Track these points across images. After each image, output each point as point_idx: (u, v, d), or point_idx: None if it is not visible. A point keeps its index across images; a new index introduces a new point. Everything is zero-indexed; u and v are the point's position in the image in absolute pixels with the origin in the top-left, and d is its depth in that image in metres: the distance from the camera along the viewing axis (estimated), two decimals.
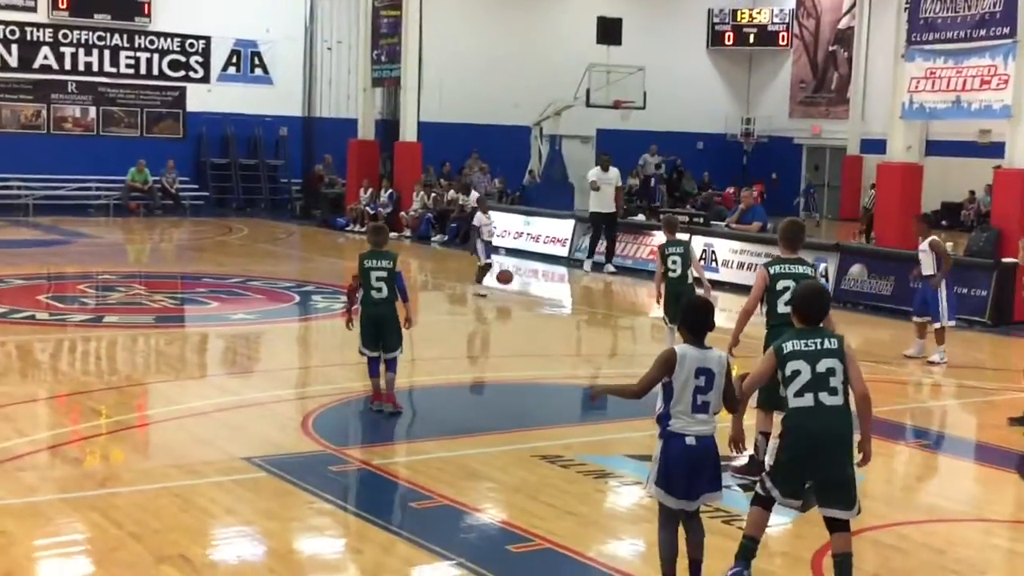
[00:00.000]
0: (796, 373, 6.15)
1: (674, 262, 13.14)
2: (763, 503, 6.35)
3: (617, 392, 6.40)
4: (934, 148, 37.05)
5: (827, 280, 18.98)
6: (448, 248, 26.75)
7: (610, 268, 22.43)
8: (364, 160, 30.72)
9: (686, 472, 6.07)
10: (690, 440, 6.07)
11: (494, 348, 15.12)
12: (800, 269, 8.77)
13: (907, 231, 20.16)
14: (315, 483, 8.22)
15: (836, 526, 6.19)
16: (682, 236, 14.83)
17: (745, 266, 20.51)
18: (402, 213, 28.88)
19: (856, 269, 18.94)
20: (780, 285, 8.70)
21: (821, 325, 6.34)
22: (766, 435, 8.69)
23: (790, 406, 6.19)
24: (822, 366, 6.14)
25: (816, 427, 6.10)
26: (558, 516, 7.66)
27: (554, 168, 34.48)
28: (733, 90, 43.09)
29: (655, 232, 23.16)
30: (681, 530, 6.24)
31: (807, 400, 6.12)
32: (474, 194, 27.92)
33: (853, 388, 6.19)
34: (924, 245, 14.31)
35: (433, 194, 29.17)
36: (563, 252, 24.88)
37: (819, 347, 6.18)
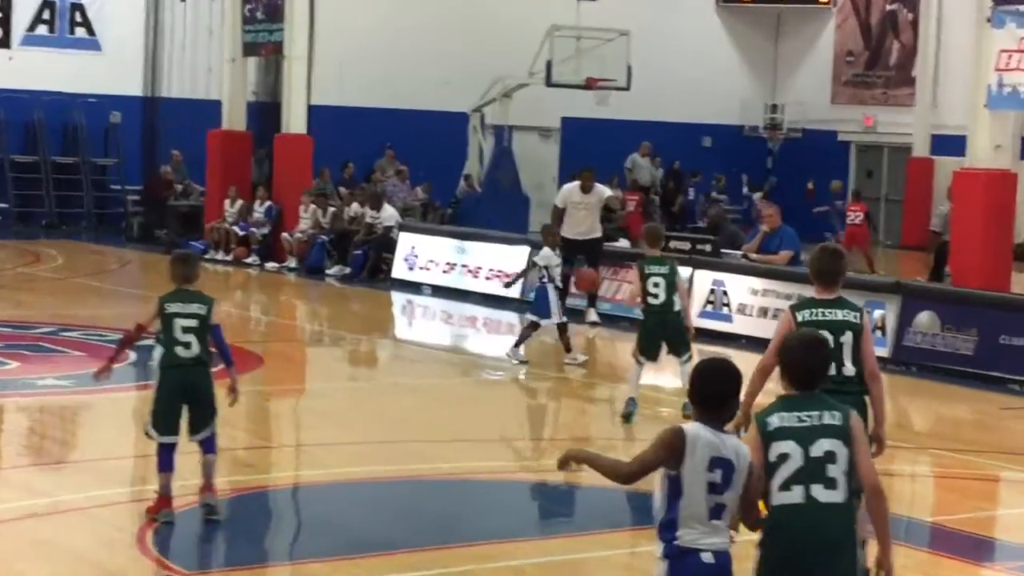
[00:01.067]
0: (783, 458, 6.27)
1: (656, 284, 13.66)
2: None
3: (600, 467, 6.39)
4: None
5: (883, 333, 19.13)
6: (351, 285, 26.73)
7: (593, 316, 22.28)
8: (231, 159, 30.66)
9: None
10: (707, 557, 6.12)
11: (415, 429, 15.07)
12: (840, 316, 8.88)
13: (995, 264, 20.45)
14: None
15: None
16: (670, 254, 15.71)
17: (769, 313, 20.64)
18: (284, 235, 28.80)
19: (925, 319, 19.12)
20: None
21: (820, 392, 6.46)
22: None
23: (773, 502, 6.28)
24: (818, 449, 6.25)
25: (805, 531, 6.21)
26: None
27: (501, 172, 34.51)
28: (753, 65, 43.53)
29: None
30: None
31: (795, 495, 6.24)
32: (389, 209, 28.06)
33: (862, 480, 6.32)
34: None
35: (330, 209, 29.13)
36: (514, 293, 24.88)
37: (816, 422, 6.31)
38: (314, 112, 30.08)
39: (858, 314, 9.01)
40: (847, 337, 8.79)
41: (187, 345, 10.19)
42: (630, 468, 6.22)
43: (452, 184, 35.26)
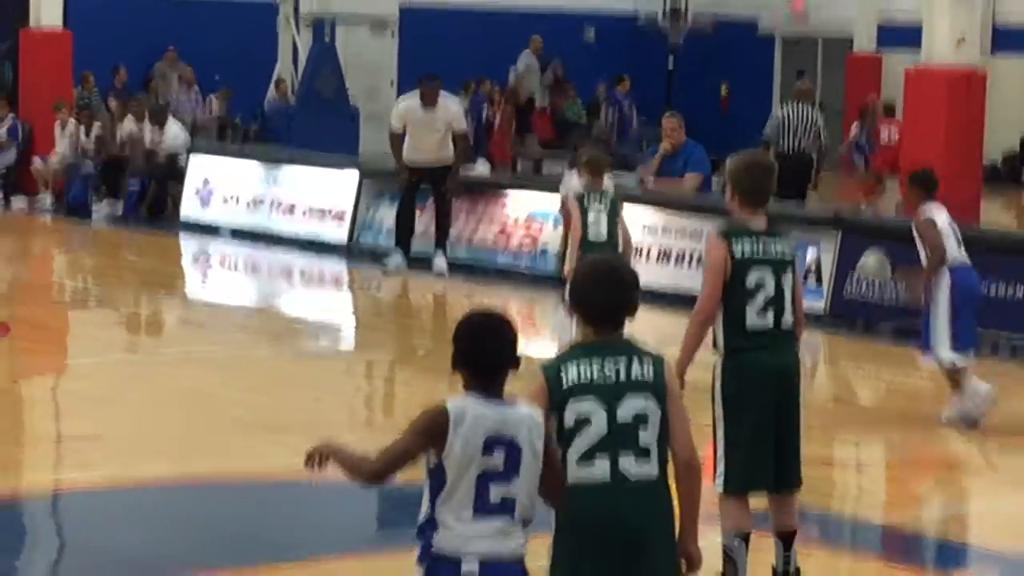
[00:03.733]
0: (583, 422, 6.45)
1: (595, 221, 14.39)
2: None
3: (344, 463, 6.42)
4: (1005, 41, 38.23)
5: (818, 280, 19.32)
6: (125, 228, 26.55)
7: (440, 265, 22.31)
8: None
9: None
10: (468, 566, 6.17)
11: (211, 416, 14.99)
12: (779, 248, 9.15)
13: (960, 190, 20.72)
14: None
15: None
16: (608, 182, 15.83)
17: (674, 256, 20.76)
18: (36, 161, 28.56)
19: (871, 261, 19.24)
20: (752, 278, 9.10)
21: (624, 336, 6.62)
22: (745, 537, 9.12)
23: (570, 480, 6.41)
24: (626, 409, 6.40)
25: (612, 517, 6.37)
26: None
27: (322, 79, 34.49)
28: None
29: (508, 192, 23.31)
30: None
31: (598, 470, 6.42)
32: (174, 127, 27.85)
33: (677, 450, 6.51)
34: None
35: (96, 126, 28.84)
36: (340, 235, 24.84)
37: (623, 376, 6.47)
38: (73, 2, 29.73)
39: (791, 247, 9.30)
40: (788, 278, 9.09)
41: None
42: (374, 465, 6.26)
43: (259, 95, 35.17)
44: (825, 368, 18.03)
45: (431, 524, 6.20)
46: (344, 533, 11.38)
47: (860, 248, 19.41)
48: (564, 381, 6.43)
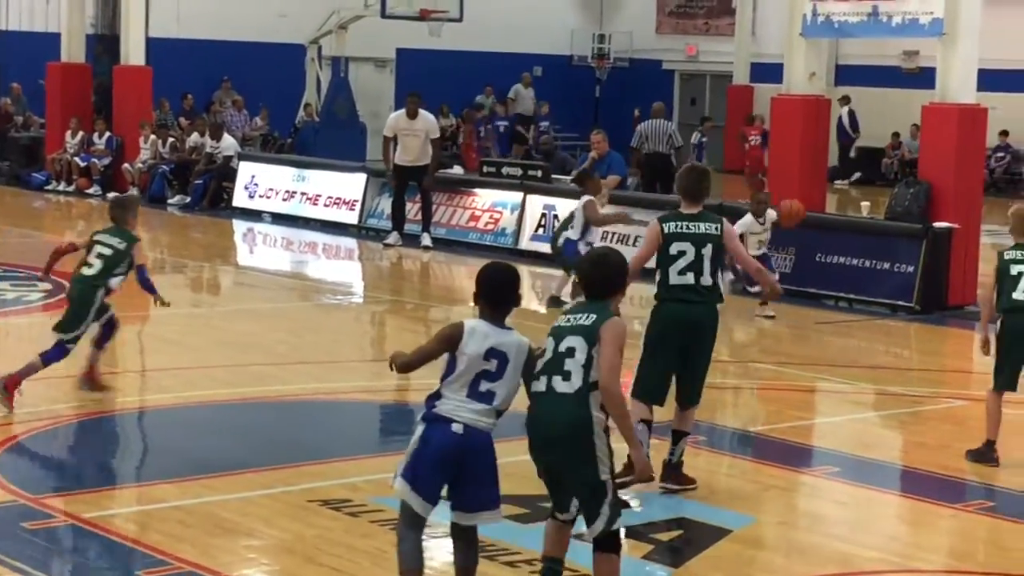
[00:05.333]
0: (544, 353, 6.94)
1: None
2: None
3: (394, 358, 6.92)
4: (847, 76, 38.23)
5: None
6: (191, 214, 26.49)
7: (426, 241, 22.37)
8: (70, 91, 30.06)
9: (443, 467, 6.64)
10: (456, 428, 6.64)
11: (257, 353, 14.94)
12: (703, 228, 9.51)
13: (811, 186, 20.77)
14: (2, 548, 8.05)
15: (596, 546, 6.93)
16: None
17: (602, 237, 20.74)
18: (126, 165, 28.44)
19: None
20: (675, 248, 9.46)
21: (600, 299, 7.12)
22: (647, 424, 9.43)
23: (530, 390, 6.97)
24: (564, 344, 6.89)
25: (542, 416, 6.88)
26: None
27: (339, 103, 34.29)
28: None
29: (477, 191, 23.33)
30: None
31: (541, 385, 6.89)
32: (228, 139, 27.78)
33: (599, 380, 6.83)
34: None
35: (170, 139, 28.79)
36: (352, 219, 24.83)
37: (571, 323, 6.97)
38: (153, 44, 29.54)
39: (719, 226, 9.59)
40: (707, 250, 9.42)
41: (90, 265, 11.48)
42: (407, 358, 6.84)
43: (291, 115, 34.96)
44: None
45: (437, 395, 6.73)
46: (356, 440, 11.42)
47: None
48: (557, 324, 7.00)
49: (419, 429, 6.74)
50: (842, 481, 10.52)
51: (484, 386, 6.67)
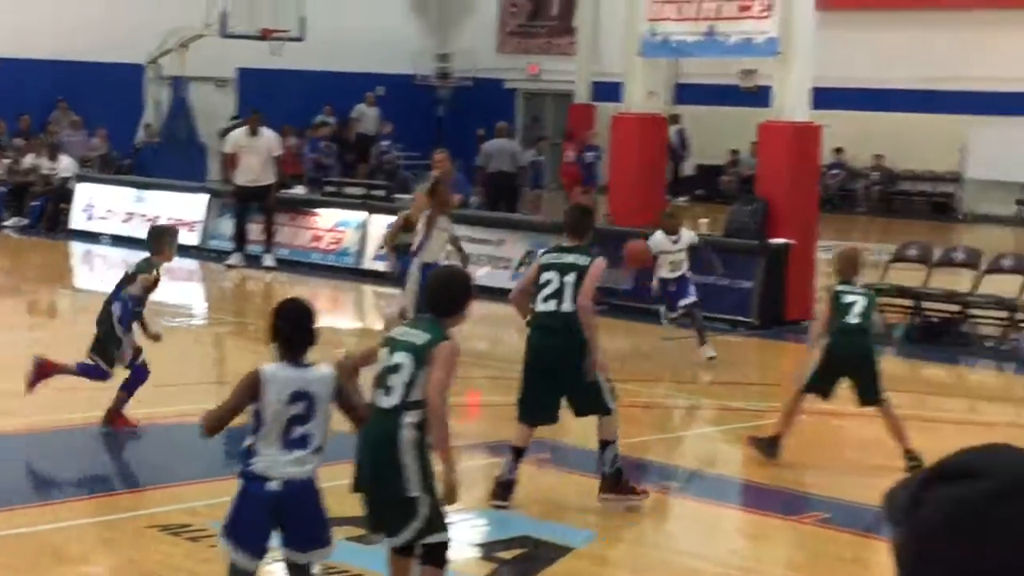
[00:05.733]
0: (379, 364, 7.08)
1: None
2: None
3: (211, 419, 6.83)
4: (686, 95, 38.66)
5: (521, 264, 19.44)
6: (29, 236, 26.00)
7: (268, 261, 22.16)
8: None
9: (264, 522, 6.57)
10: (272, 485, 6.50)
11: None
12: (571, 259, 9.91)
13: (649, 203, 20.95)
14: None
15: (403, 552, 6.99)
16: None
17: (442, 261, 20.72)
18: None
19: None
20: (544, 278, 9.91)
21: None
22: (517, 451, 9.77)
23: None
24: (391, 359, 6.95)
25: (366, 428, 6.95)
26: None
27: (178, 123, 34.03)
28: (424, 15, 43.58)
29: (320, 211, 23.20)
30: None
31: (375, 396, 7.01)
32: (65, 160, 27.35)
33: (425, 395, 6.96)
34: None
35: (6, 160, 28.27)
36: (193, 239, 24.52)
37: (405, 338, 7.04)
38: None
39: (588, 259, 9.95)
40: (570, 277, 9.77)
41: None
42: (213, 417, 6.77)
43: (131, 135, 34.58)
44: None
45: (249, 452, 6.55)
46: (195, 463, 11.17)
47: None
48: (391, 335, 7.17)
49: (239, 484, 6.64)
50: (684, 497, 10.62)
51: (297, 432, 6.52)
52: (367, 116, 38.92)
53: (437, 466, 6.98)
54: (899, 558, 1.59)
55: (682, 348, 17.16)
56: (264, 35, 34.46)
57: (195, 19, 33.63)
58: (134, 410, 12.60)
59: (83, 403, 12.93)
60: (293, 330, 6.67)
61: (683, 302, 15.69)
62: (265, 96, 32.89)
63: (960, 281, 17.84)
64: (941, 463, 1.65)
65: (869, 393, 11.20)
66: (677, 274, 15.87)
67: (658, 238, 15.81)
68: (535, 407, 9.83)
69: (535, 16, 42.35)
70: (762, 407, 13.94)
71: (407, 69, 42.65)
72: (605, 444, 9.87)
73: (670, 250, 15.81)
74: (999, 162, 34.60)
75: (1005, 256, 18.39)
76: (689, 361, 16.28)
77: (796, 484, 10.84)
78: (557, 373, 9.76)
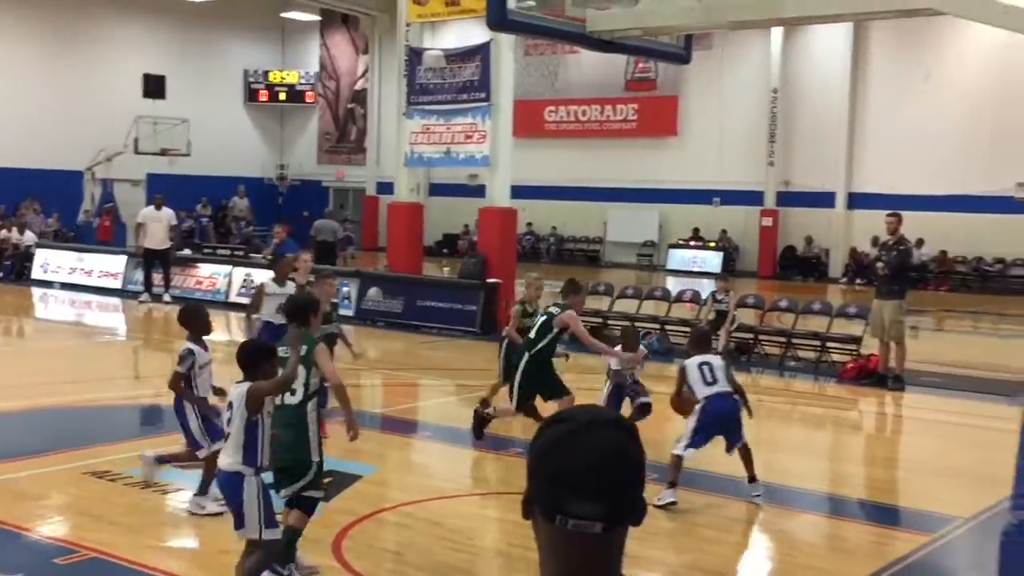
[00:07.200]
0: None
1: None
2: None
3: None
4: (437, 189, 38.85)
5: (350, 301, 19.31)
6: (3, 283, 24.74)
7: (167, 298, 21.52)
8: None
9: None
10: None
11: (48, 375, 14.00)
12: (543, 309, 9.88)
13: (412, 257, 20.97)
14: None
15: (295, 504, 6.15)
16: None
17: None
18: None
19: (373, 291, 19.45)
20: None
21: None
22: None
23: None
24: (298, 371, 6.10)
25: (275, 425, 5.98)
26: (105, 527, 7.27)
27: (107, 209, 32.84)
28: (269, 140, 42.86)
29: (200, 265, 22.62)
30: None
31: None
32: (29, 234, 26.12)
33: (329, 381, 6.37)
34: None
35: None
36: (116, 284, 23.65)
37: (285, 356, 6.13)
38: None
39: (560, 309, 9.55)
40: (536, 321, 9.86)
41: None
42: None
43: (74, 216, 33.19)
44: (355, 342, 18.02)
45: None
46: (115, 431, 10.70)
47: (369, 285, 19.47)
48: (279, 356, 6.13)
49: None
50: (437, 441, 10.66)
51: (226, 431, 5.93)
52: (238, 204, 38.00)
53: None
54: (528, 469, 1.67)
55: (432, 347, 17.20)
56: (163, 152, 33.69)
57: (118, 141, 32.64)
58: (76, 396, 12.13)
59: (41, 392, 12.39)
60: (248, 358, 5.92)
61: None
62: (165, 192, 31.95)
63: (604, 302, 18.22)
64: (555, 414, 1.72)
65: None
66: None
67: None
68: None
69: (340, 140, 42.06)
70: (483, 383, 14.05)
71: (258, 173, 41.95)
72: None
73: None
74: (626, 230, 35.63)
75: (628, 287, 18.92)
76: (437, 357, 16.32)
77: (506, 431, 10.91)
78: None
